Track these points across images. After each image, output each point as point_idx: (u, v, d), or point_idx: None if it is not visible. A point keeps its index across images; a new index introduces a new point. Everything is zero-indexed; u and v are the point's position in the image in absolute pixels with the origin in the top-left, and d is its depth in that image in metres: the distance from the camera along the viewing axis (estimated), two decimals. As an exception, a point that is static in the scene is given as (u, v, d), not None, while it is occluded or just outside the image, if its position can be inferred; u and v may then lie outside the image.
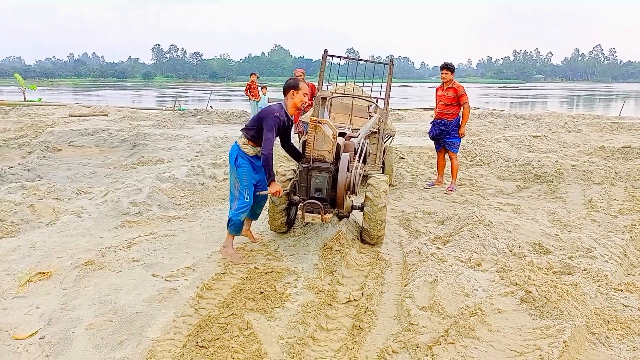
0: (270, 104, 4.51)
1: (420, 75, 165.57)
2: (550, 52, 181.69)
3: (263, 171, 4.21)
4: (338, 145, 4.39)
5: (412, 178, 8.07)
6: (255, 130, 4.17)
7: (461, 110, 7.11)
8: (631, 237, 5.09)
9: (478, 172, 8.57)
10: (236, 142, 4.33)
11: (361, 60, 7.19)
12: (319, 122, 4.18)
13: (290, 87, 4.19)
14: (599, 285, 3.71)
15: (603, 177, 8.01)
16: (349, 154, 4.41)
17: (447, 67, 7.13)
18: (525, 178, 8.12)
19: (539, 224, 5.41)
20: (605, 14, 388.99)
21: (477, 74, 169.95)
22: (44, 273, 3.90)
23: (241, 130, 4.34)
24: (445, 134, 7.22)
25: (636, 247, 4.99)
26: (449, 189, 7.19)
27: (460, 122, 7.15)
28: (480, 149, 10.03)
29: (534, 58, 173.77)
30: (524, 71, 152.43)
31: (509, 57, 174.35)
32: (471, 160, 9.34)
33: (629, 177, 7.96)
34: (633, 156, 9.57)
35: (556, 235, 5.01)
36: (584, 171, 8.23)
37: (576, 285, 3.50)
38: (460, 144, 7.61)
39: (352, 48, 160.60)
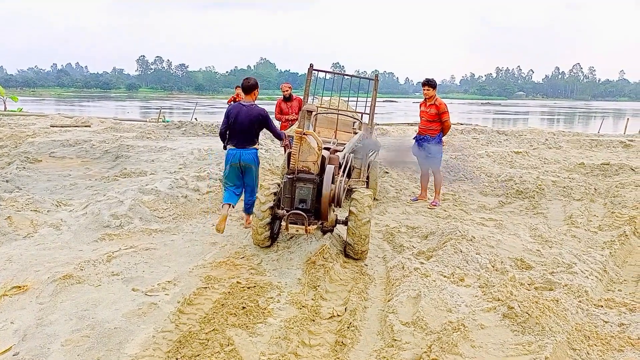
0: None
1: (405, 91, 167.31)
2: (531, 69, 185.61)
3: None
4: (323, 157, 4.40)
5: (396, 192, 8.10)
6: (255, 135, 5.26)
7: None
8: (610, 253, 5.16)
9: (461, 187, 8.64)
10: (251, 149, 5.30)
11: (346, 75, 7.25)
12: (304, 134, 4.18)
13: (255, 87, 5.37)
14: (580, 301, 3.75)
15: (583, 193, 8.14)
16: (333, 166, 4.42)
17: (428, 84, 7.20)
18: (508, 194, 8.21)
19: (520, 239, 5.47)
20: (585, 34, 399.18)
21: (460, 90, 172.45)
22: (20, 287, 3.80)
23: (249, 141, 5.30)
24: (428, 149, 7.29)
25: (615, 263, 5.07)
26: (433, 203, 7.24)
27: (440, 139, 7.25)
28: (463, 164, 10.13)
29: (515, 75, 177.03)
30: (506, 88, 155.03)
31: (491, 74, 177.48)
32: (454, 175, 9.42)
33: (607, 194, 8.10)
34: (612, 173, 9.76)
35: (537, 250, 5.07)
36: (564, 187, 8.35)
37: (557, 301, 3.53)
38: (442, 158, 7.69)
39: (338, 62, 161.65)
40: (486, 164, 10.75)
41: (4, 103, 27.21)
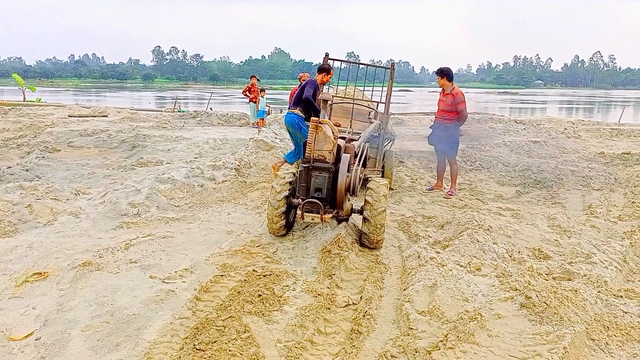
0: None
1: (421, 80, 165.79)
2: (550, 58, 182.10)
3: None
4: (339, 146, 4.38)
5: (412, 182, 8.05)
6: (298, 102, 6.70)
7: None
8: (630, 243, 5.08)
9: (478, 177, 8.55)
10: (295, 113, 6.72)
11: (362, 64, 7.20)
12: (320, 123, 4.17)
13: (323, 70, 6.74)
14: (599, 291, 3.69)
15: (602, 183, 8.00)
16: (349, 155, 4.40)
17: (439, 73, 7.11)
18: (525, 183, 8.11)
19: (538, 229, 5.40)
20: (605, 21, 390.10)
21: (476, 79, 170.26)
22: (40, 274, 3.87)
23: (295, 105, 6.82)
24: (444, 138, 7.22)
25: (635, 254, 4.97)
26: (449, 193, 7.18)
27: (457, 127, 7.16)
28: (479, 154, 10.02)
29: (534, 64, 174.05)
30: (523, 77, 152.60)
31: (508, 62, 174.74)
32: (471, 165, 9.33)
33: (628, 183, 7.96)
34: (632, 162, 9.58)
35: (556, 240, 5.00)
36: (583, 177, 8.23)
37: (576, 291, 3.49)
38: (459, 148, 7.61)
39: (353, 52, 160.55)
40: (503, 153, 10.62)
41: (23, 93, 27.59)
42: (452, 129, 7.13)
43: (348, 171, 4.29)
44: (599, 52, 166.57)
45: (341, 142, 4.50)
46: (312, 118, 4.22)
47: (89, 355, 2.87)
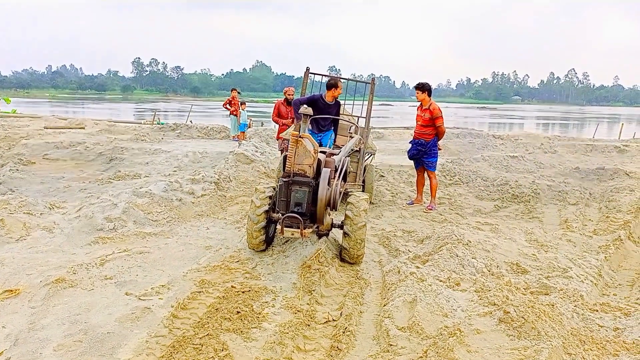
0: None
1: (401, 94, 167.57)
2: (527, 74, 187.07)
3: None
4: (319, 161, 4.38)
5: (392, 196, 8.09)
6: None
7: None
8: (605, 257, 5.17)
9: (457, 192, 8.65)
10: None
11: (343, 78, 7.24)
12: (300, 137, 4.17)
13: (332, 86, 6.55)
14: (575, 306, 3.74)
15: (578, 197, 8.16)
16: (329, 169, 4.40)
17: (419, 87, 7.21)
18: (503, 198, 8.22)
19: (516, 243, 5.46)
20: (579, 40, 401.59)
21: (456, 94, 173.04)
22: (12, 291, 3.75)
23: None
24: (423, 153, 7.31)
25: (610, 268, 5.07)
26: (428, 207, 7.24)
27: (435, 142, 7.26)
28: (459, 168, 10.14)
29: (511, 80, 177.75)
30: (502, 92, 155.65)
31: (487, 78, 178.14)
32: (450, 179, 9.43)
33: (602, 198, 8.13)
34: (607, 177, 9.78)
35: (533, 255, 5.06)
36: (559, 192, 8.38)
37: (553, 305, 3.52)
38: (438, 162, 7.70)
39: (334, 66, 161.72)
40: (482, 167, 10.76)
41: (-2, 105, 27.01)
42: (431, 144, 7.22)
43: (328, 185, 4.29)
44: (573, 69, 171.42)
45: (321, 156, 4.50)
46: (292, 132, 4.22)
47: (60, 376, 2.78)
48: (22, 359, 2.90)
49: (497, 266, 4.58)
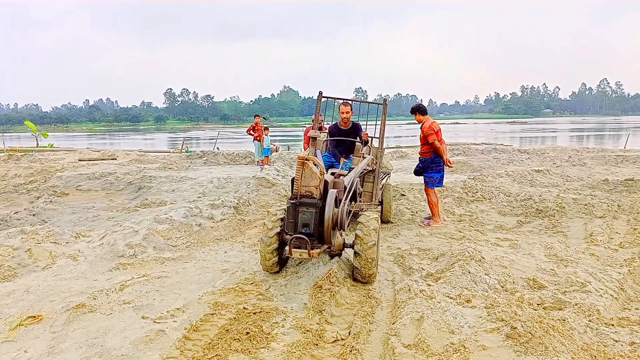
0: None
1: (429, 112, 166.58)
2: (557, 86, 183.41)
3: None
4: (326, 182, 4.46)
5: (412, 215, 8.07)
6: None
7: (443, 145, 7.34)
8: (629, 270, 5.02)
9: (479, 208, 8.54)
10: None
11: (355, 100, 7.36)
12: (306, 160, 4.27)
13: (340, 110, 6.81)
14: (590, 320, 3.65)
15: (605, 210, 7.94)
16: (336, 190, 4.47)
17: (411, 112, 7.55)
18: (527, 213, 8.07)
19: (535, 259, 5.37)
20: (609, 49, 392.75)
21: (485, 109, 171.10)
22: (35, 317, 3.93)
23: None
24: (423, 170, 7.48)
25: (635, 281, 4.91)
26: (425, 223, 7.32)
27: (434, 159, 7.36)
28: (481, 185, 10.03)
29: (541, 93, 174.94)
30: (531, 106, 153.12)
31: (516, 92, 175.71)
32: (472, 196, 9.33)
33: (631, 210, 7.89)
34: (636, 189, 9.49)
35: (552, 270, 4.96)
36: (585, 205, 8.17)
37: (564, 320, 3.45)
38: (458, 179, 7.69)
39: (360, 87, 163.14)
40: (505, 183, 10.62)
41: (36, 139, 28.33)
42: (429, 160, 7.37)
43: (336, 206, 4.36)
44: (605, 79, 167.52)
45: (329, 177, 4.58)
46: (299, 155, 4.33)
47: (74, 397, 2.90)
48: (39, 381, 3.04)
49: (513, 282, 4.52)
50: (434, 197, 7.41)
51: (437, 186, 7.40)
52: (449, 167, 7.57)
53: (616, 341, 3.39)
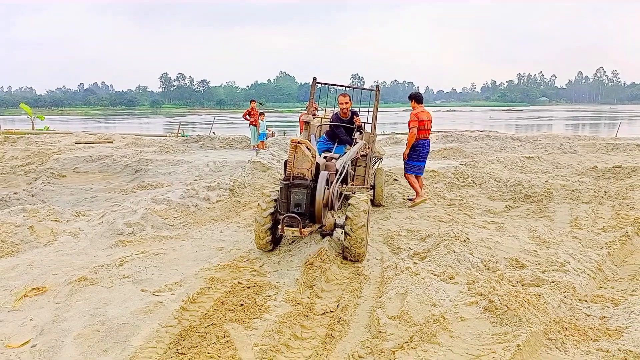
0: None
1: (425, 100, 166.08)
2: (554, 75, 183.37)
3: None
4: (317, 164, 4.65)
5: (403, 199, 8.27)
6: None
7: (415, 135, 7.55)
8: (609, 252, 5.24)
9: (469, 193, 8.76)
10: None
11: (348, 86, 7.52)
12: (298, 143, 4.46)
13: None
14: (564, 296, 3.88)
15: (592, 196, 8.16)
16: (327, 172, 4.67)
17: (409, 97, 7.82)
18: (516, 198, 8.29)
19: (519, 240, 5.59)
20: (606, 38, 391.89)
21: (481, 97, 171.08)
22: (39, 289, 4.13)
23: None
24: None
25: (614, 262, 5.14)
26: (409, 202, 7.67)
27: (416, 147, 7.63)
28: (472, 171, 10.22)
29: (538, 81, 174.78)
30: (528, 94, 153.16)
31: (512, 80, 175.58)
32: (463, 182, 9.53)
33: (617, 196, 8.12)
34: (624, 176, 9.73)
35: (534, 251, 5.19)
36: (572, 190, 8.39)
37: (539, 295, 3.68)
38: (450, 164, 7.90)
39: (357, 74, 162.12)
40: (496, 169, 10.82)
41: (32, 122, 28.31)
42: (411, 148, 7.65)
43: (328, 187, 4.55)
44: (602, 67, 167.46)
45: (321, 160, 4.78)
46: (292, 138, 4.52)
47: (79, 359, 3.10)
48: (46, 346, 3.25)
49: (496, 262, 4.74)
50: (412, 179, 7.67)
51: (416, 174, 7.64)
52: (403, 159, 7.84)
53: (588, 315, 3.63)
